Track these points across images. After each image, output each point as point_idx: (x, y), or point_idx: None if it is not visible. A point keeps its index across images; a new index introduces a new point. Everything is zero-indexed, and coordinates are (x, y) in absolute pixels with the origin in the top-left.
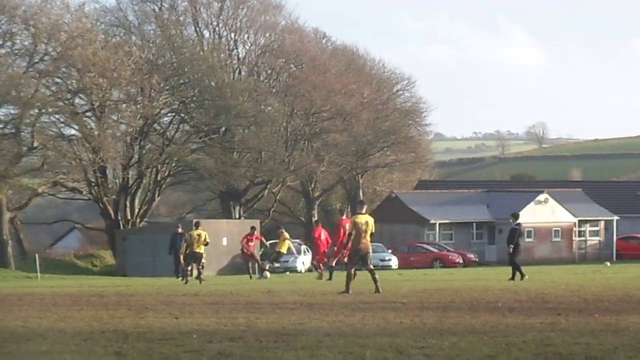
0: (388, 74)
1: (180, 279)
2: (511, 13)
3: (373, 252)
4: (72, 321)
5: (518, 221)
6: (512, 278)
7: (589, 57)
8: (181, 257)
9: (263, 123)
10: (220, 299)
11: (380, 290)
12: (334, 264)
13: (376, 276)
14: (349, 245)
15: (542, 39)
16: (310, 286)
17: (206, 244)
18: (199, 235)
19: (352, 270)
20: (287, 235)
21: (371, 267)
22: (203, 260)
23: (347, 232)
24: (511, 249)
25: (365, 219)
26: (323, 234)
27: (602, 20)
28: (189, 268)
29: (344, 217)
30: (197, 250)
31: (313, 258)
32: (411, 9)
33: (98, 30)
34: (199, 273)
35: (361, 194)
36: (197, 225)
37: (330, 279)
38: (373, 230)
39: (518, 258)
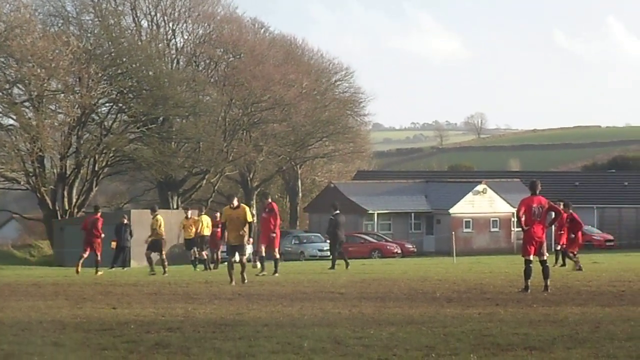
0: (326, 64)
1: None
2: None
3: (311, 242)
4: (9, 311)
5: (337, 212)
6: (332, 267)
7: (509, 47)
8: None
9: (201, 113)
10: (158, 290)
11: (243, 282)
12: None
13: (244, 273)
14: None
15: (454, 28)
16: (249, 277)
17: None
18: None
19: (232, 259)
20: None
21: (237, 258)
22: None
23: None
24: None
25: (226, 212)
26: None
27: (514, 10)
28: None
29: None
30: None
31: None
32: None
33: (36, 20)
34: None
35: (299, 184)
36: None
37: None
38: (250, 219)
39: (337, 248)
